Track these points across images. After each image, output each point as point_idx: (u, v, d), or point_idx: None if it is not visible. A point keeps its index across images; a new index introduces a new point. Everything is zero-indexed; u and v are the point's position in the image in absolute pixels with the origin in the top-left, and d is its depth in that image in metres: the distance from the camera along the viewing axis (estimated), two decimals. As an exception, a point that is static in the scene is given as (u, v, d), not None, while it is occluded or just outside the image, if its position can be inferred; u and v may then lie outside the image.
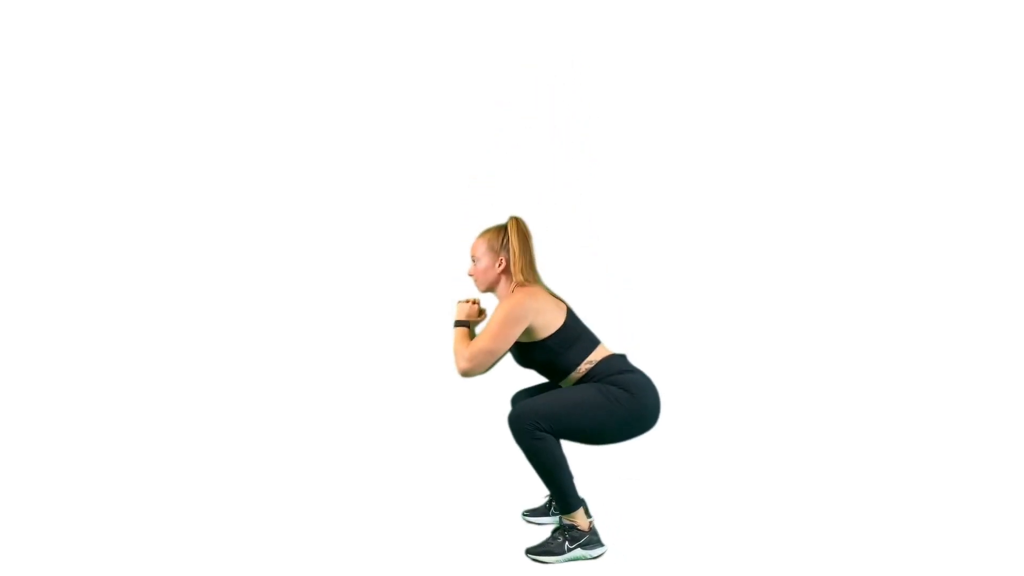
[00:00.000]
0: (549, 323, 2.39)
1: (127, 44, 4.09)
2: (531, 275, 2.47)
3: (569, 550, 2.34)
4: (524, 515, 2.67)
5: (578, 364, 2.40)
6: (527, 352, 2.43)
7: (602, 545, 2.38)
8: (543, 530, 2.58)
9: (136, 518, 2.67)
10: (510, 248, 2.47)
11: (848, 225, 4.09)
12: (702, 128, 4.10)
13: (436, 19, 4.14)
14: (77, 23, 4.05)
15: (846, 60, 4.06)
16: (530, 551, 2.36)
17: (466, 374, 2.36)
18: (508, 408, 2.73)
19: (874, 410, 3.73)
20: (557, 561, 2.33)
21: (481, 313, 2.53)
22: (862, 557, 2.32)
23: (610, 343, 2.58)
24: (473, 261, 2.53)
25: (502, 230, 2.50)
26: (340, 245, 4.17)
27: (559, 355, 2.39)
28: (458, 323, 2.48)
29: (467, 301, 2.54)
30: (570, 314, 2.45)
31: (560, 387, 2.48)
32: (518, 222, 2.50)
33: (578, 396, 2.34)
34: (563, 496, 2.34)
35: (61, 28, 4.05)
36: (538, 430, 2.27)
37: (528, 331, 2.38)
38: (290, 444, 3.51)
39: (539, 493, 2.82)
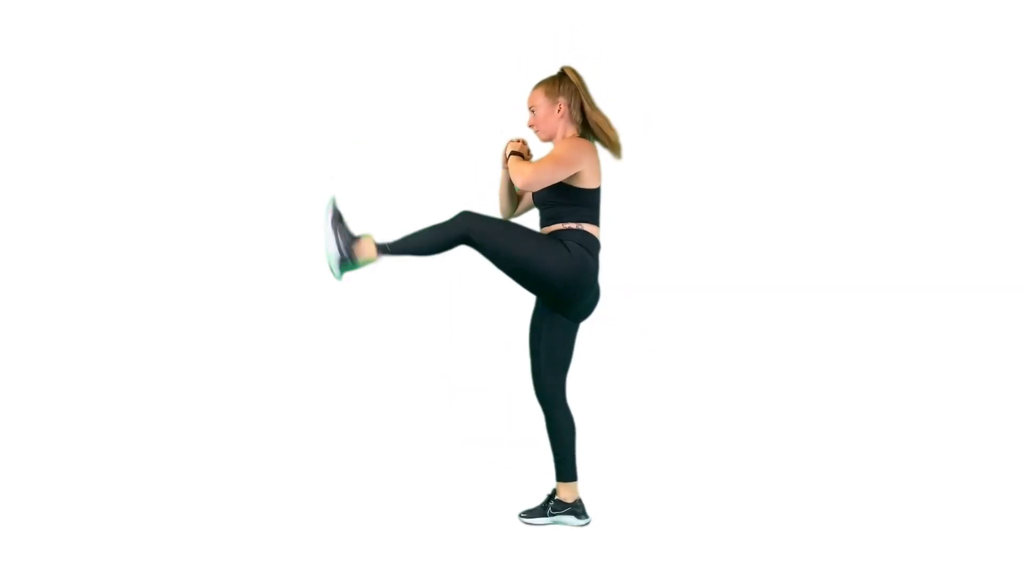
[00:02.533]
0: (588, 179, 2.49)
1: (124, 44, 4.10)
2: (599, 115, 2.52)
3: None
4: (521, 516, 2.67)
5: (570, 222, 2.49)
6: (557, 187, 2.49)
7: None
8: (541, 532, 2.58)
9: (133, 518, 2.66)
10: (568, 93, 2.52)
11: (848, 225, 4.10)
12: (701, 128, 4.10)
13: (435, 18, 4.15)
14: (72, 23, 4.05)
15: (847, 60, 4.07)
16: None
17: (526, 185, 2.43)
18: (509, 408, 2.77)
19: (874, 410, 3.73)
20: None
21: (530, 153, 2.57)
22: (862, 556, 2.32)
23: (610, 342, 2.59)
24: (531, 111, 2.58)
25: (556, 78, 2.56)
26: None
27: (568, 206, 2.49)
28: (513, 153, 2.54)
29: (517, 140, 2.58)
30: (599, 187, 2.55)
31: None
32: (571, 69, 2.55)
33: (533, 231, 2.48)
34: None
35: (54, 27, 4.04)
36: (470, 233, 2.41)
37: (574, 175, 2.46)
38: (290, 444, 3.51)
39: (537, 493, 2.80)
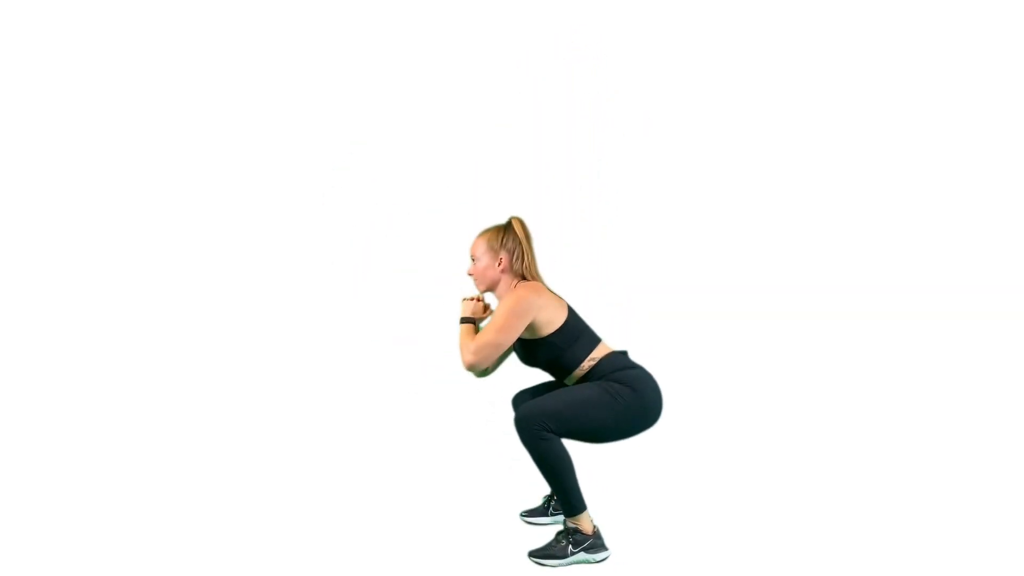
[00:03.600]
0: (552, 319, 2.39)
1: (124, 44, 4.09)
2: (533, 273, 2.48)
3: (572, 554, 2.33)
4: (522, 516, 2.66)
5: (581, 361, 2.41)
6: (531, 349, 2.43)
7: (606, 549, 2.37)
8: (542, 531, 2.57)
9: (130, 518, 2.65)
10: (510, 247, 2.48)
11: (849, 225, 4.09)
12: (701, 128, 4.09)
13: (435, 18, 4.14)
14: (70, 22, 4.04)
15: (847, 60, 4.06)
16: (532, 554, 2.36)
17: (472, 368, 2.37)
18: (508, 409, 2.71)
19: (874, 410, 3.72)
20: (559, 565, 2.32)
21: (486, 310, 2.54)
22: (864, 558, 2.31)
23: (611, 342, 2.57)
24: (472, 260, 2.53)
25: (501, 229, 2.51)
26: (337, 244, 4.15)
27: (563, 352, 2.40)
28: (463, 320, 2.49)
29: (472, 299, 2.54)
30: (571, 312, 2.46)
31: (564, 385, 2.47)
32: (518, 221, 2.51)
33: (582, 395, 2.33)
34: (568, 498, 2.33)
35: (50, 27, 4.03)
36: (545, 431, 2.26)
37: (532, 328, 2.39)
38: (289, 445, 3.50)
39: (537, 493, 2.79)
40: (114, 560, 2.29)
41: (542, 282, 2.50)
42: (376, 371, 4.03)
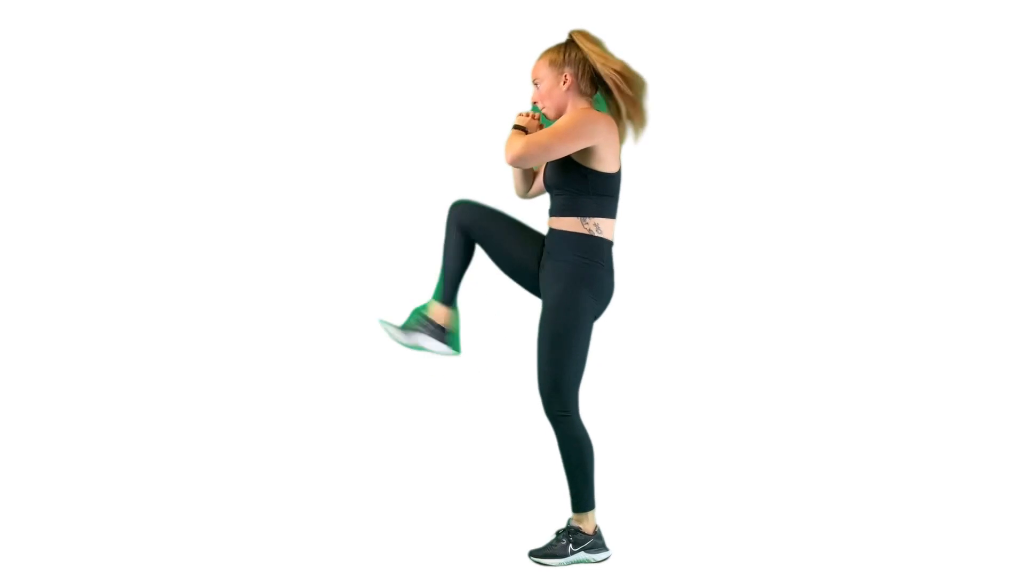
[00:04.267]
0: (608, 161, 2.22)
1: (124, 44, 4.09)
2: (620, 79, 2.21)
3: (572, 553, 2.30)
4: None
5: (588, 216, 2.25)
6: (568, 169, 2.24)
7: (607, 550, 2.35)
8: (542, 531, 2.57)
9: (132, 518, 2.66)
10: (574, 62, 2.26)
11: (848, 225, 4.09)
12: (700, 128, 4.09)
13: (435, 18, 4.14)
14: (72, 23, 4.04)
15: (848, 59, 4.07)
16: (533, 553, 2.33)
17: (516, 162, 2.18)
18: (508, 408, 2.72)
19: (874, 410, 3.73)
20: (560, 564, 2.30)
21: (541, 127, 2.30)
22: (864, 558, 2.32)
23: (611, 341, 2.57)
24: (535, 85, 2.32)
25: (563, 45, 2.29)
26: (336, 243, 4.16)
27: (584, 196, 2.24)
28: (516, 127, 2.28)
29: (527, 114, 2.33)
30: (620, 173, 2.29)
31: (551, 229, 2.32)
32: (580, 32, 2.28)
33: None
34: (582, 492, 2.28)
35: (54, 27, 4.04)
36: (567, 413, 2.23)
37: (587, 154, 2.20)
38: (289, 445, 3.50)
39: (537, 492, 2.79)
40: (114, 560, 2.29)
41: (635, 99, 2.25)
42: (375, 371, 4.03)
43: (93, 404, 3.75)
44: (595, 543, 2.32)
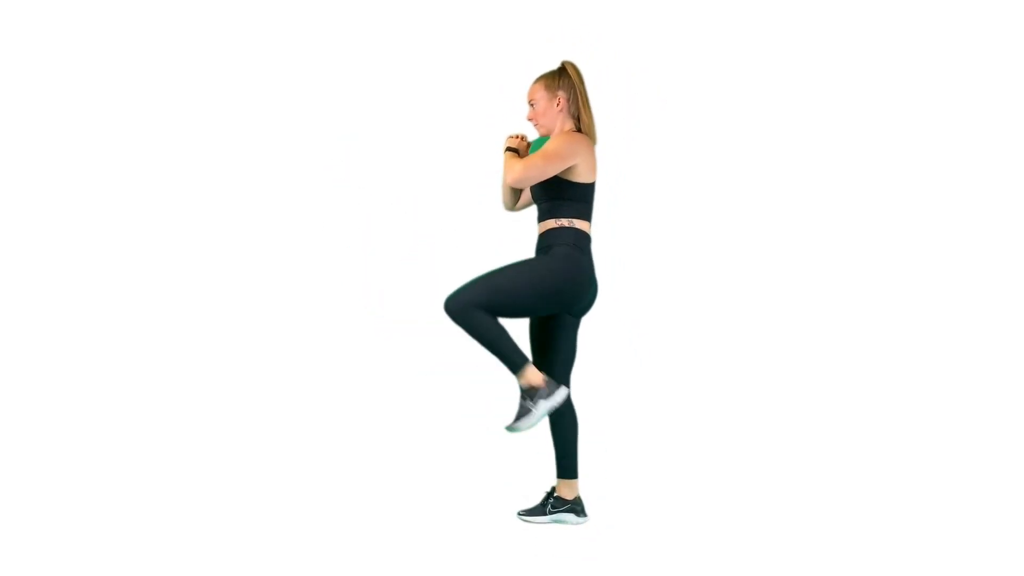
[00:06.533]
0: (586, 174, 2.55)
1: (124, 44, 4.09)
2: (587, 115, 2.60)
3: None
4: (520, 515, 2.69)
5: (568, 218, 2.55)
6: (551, 182, 2.54)
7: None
8: (539, 530, 2.58)
9: (132, 518, 2.66)
10: (566, 87, 2.59)
11: (848, 225, 4.10)
12: (699, 128, 4.10)
13: (434, 17, 4.14)
14: (72, 23, 4.03)
15: (848, 59, 4.07)
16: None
17: (517, 182, 2.51)
18: (506, 408, 2.74)
19: (874, 410, 3.74)
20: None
21: (528, 149, 2.64)
22: (863, 557, 2.32)
23: (610, 340, 2.58)
24: (531, 105, 2.65)
25: (556, 72, 2.63)
26: (336, 243, 4.16)
27: (566, 201, 2.54)
28: (508, 149, 2.64)
29: (516, 136, 2.68)
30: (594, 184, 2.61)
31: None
32: (571, 64, 2.63)
33: (504, 271, 2.49)
34: (507, 357, 2.44)
35: (54, 27, 4.03)
36: (471, 306, 2.41)
37: (569, 169, 2.52)
38: (288, 445, 3.51)
39: (537, 491, 2.80)
40: (114, 559, 2.29)
41: (593, 132, 2.61)
42: (375, 369, 4.04)
43: (93, 403, 3.76)
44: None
